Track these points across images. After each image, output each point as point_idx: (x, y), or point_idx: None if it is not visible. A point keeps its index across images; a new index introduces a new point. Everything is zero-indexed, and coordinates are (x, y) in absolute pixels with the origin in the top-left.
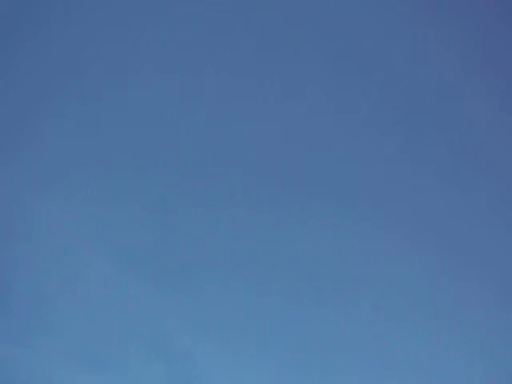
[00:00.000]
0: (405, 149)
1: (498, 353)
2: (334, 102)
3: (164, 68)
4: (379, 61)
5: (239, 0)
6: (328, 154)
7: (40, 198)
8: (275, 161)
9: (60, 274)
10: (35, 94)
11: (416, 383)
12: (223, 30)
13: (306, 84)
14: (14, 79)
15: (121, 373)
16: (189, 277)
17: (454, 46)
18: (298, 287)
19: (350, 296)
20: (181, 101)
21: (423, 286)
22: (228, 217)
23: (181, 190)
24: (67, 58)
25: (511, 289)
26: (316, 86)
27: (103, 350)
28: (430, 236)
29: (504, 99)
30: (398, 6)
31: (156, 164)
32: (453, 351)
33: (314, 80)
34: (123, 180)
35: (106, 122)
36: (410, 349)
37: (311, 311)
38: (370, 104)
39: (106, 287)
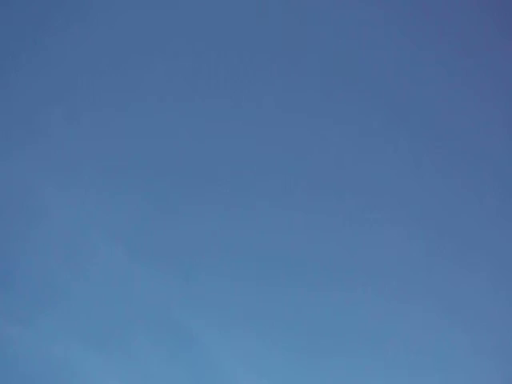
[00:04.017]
0: (402, 148)
1: (495, 334)
2: (334, 102)
3: (172, 70)
4: (379, 65)
5: (239, 5)
6: (327, 154)
7: (52, 186)
8: (277, 156)
9: (67, 256)
10: (52, 88)
11: (419, 366)
12: (223, 35)
13: (306, 88)
14: (33, 73)
15: (126, 354)
16: (195, 262)
17: (452, 52)
18: (304, 273)
19: (356, 282)
20: (185, 101)
21: (423, 272)
22: (236, 205)
23: (187, 180)
24: (84, 55)
25: (508, 276)
26: (315, 90)
27: (109, 331)
28: (428, 225)
29: (501, 103)
30: (398, 10)
31: (165, 155)
32: (452, 335)
33: (313, 83)
34: (133, 170)
35: (116, 116)
36: (413, 334)
37: (319, 297)
38: (370, 104)
39: (113, 271)
